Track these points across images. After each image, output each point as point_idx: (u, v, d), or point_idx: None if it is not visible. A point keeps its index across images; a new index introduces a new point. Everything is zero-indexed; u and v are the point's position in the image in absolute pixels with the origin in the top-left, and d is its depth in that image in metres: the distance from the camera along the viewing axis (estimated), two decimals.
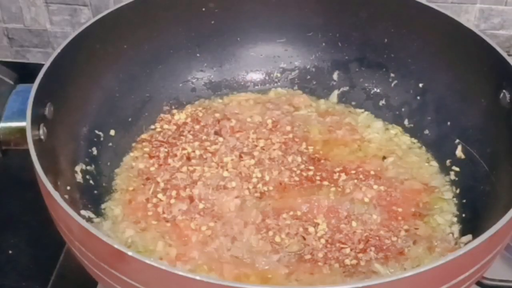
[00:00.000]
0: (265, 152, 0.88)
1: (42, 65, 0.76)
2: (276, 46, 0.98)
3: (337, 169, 0.86)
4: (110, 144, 0.88)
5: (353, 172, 0.86)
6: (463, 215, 0.81)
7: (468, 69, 0.84)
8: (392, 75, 0.94)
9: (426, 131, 0.91)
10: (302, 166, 0.86)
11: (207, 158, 0.87)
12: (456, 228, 0.80)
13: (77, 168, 0.81)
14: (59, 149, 0.78)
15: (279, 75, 0.99)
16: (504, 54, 0.78)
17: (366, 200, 0.82)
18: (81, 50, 0.82)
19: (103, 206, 0.82)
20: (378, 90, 0.96)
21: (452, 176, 0.86)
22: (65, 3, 1.06)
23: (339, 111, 0.95)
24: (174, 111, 0.94)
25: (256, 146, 0.89)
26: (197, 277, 0.56)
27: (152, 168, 0.86)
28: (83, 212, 0.77)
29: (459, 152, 0.86)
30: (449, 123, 0.88)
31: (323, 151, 0.89)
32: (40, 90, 0.74)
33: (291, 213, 0.80)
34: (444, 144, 0.88)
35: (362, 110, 0.95)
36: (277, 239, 0.77)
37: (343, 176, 0.85)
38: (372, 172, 0.86)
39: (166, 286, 0.59)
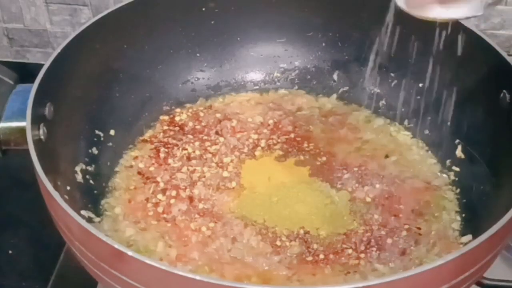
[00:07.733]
0: (266, 152, 0.88)
1: (42, 65, 0.76)
2: (276, 46, 0.98)
3: (340, 167, 0.86)
4: (110, 144, 0.88)
5: (355, 169, 0.86)
6: (463, 215, 0.81)
7: (468, 69, 0.84)
8: (392, 75, 0.94)
9: (426, 131, 0.91)
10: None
11: (207, 158, 0.87)
12: (456, 228, 0.80)
13: (77, 168, 0.81)
14: (59, 149, 0.77)
15: (279, 75, 0.99)
16: (504, 54, 0.78)
17: (368, 199, 0.82)
18: (81, 50, 0.82)
19: (103, 206, 0.82)
20: (378, 90, 0.96)
21: (452, 176, 0.86)
22: (65, 3, 1.06)
23: (341, 111, 0.95)
24: (174, 111, 0.94)
25: (258, 146, 0.89)
26: (197, 277, 0.56)
27: (152, 168, 0.86)
28: (83, 212, 0.77)
29: (459, 152, 0.86)
30: (449, 123, 0.88)
31: (325, 150, 0.89)
32: (40, 90, 0.73)
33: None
34: (444, 144, 0.88)
35: (363, 109, 0.95)
36: (278, 242, 0.77)
37: (346, 175, 0.85)
38: (374, 171, 0.86)
39: (166, 286, 0.59)
